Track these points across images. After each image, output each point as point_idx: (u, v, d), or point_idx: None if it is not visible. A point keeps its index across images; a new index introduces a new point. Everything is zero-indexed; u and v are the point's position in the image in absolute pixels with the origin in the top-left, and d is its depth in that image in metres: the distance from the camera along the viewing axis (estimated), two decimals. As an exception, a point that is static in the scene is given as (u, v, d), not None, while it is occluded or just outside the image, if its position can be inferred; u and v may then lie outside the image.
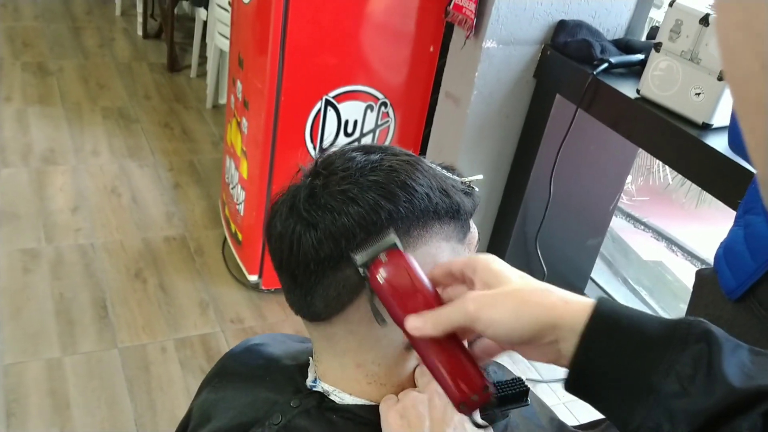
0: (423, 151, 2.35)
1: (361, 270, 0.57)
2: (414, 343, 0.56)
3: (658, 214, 3.98)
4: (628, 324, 0.49)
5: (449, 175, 0.65)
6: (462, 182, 0.65)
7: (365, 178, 0.59)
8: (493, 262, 0.56)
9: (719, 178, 1.49)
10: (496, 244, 2.30)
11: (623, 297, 2.51)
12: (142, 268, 2.39)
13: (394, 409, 0.61)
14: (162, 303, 2.26)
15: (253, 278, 2.38)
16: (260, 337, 0.79)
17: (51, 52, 3.84)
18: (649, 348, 0.48)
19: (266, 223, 0.63)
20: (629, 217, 3.90)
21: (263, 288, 2.37)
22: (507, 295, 0.53)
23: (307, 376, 0.68)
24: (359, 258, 0.57)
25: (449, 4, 2.03)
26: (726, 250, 1.24)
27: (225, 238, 2.58)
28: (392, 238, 0.57)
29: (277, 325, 2.26)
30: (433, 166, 0.64)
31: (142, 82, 3.71)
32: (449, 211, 0.61)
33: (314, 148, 2.17)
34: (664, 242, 3.68)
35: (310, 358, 0.69)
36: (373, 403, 0.64)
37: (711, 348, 0.46)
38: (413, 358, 0.64)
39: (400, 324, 0.56)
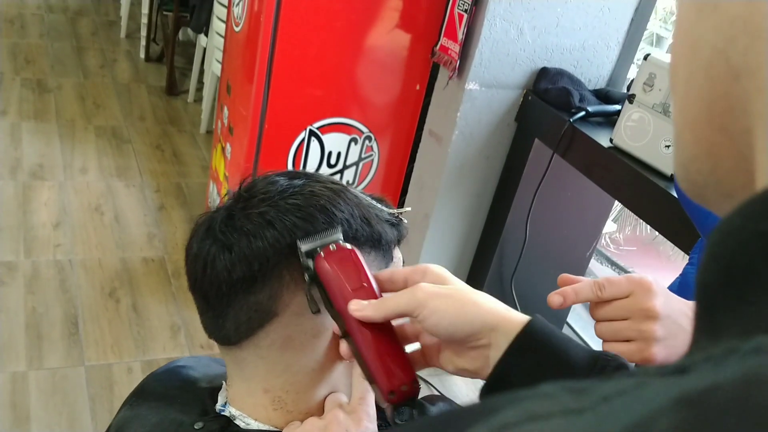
0: (405, 187, 2.37)
1: (303, 257, 0.57)
2: (350, 329, 0.57)
3: (644, 265, 4.00)
4: (557, 343, 0.53)
5: (376, 204, 0.66)
6: (389, 213, 0.66)
7: (285, 201, 0.59)
8: (444, 269, 0.59)
9: (684, 229, 1.50)
10: (472, 283, 2.30)
11: (598, 344, 2.50)
12: (116, 287, 2.39)
13: None
14: (133, 323, 2.25)
15: (227, 304, 2.37)
16: (186, 359, 0.79)
17: (52, 69, 3.89)
18: (569, 370, 0.52)
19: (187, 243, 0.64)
20: (615, 265, 3.91)
21: (237, 314, 2.36)
22: (456, 291, 0.57)
23: (218, 400, 0.68)
24: (305, 245, 0.57)
25: (436, 45, 2.07)
26: None
27: (204, 263, 2.58)
28: (339, 234, 0.59)
29: (247, 352, 2.25)
30: (360, 195, 0.65)
31: (139, 104, 3.75)
32: (369, 240, 0.62)
33: (294, 177, 2.18)
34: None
35: (224, 382, 0.69)
36: (278, 430, 0.64)
37: None
38: (324, 387, 0.64)
39: (342, 309, 0.56)
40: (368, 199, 0.66)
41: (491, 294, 2.11)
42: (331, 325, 0.61)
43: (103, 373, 2.05)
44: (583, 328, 2.57)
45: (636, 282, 0.71)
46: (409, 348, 0.61)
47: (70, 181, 2.93)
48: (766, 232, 0.23)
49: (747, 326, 0.22)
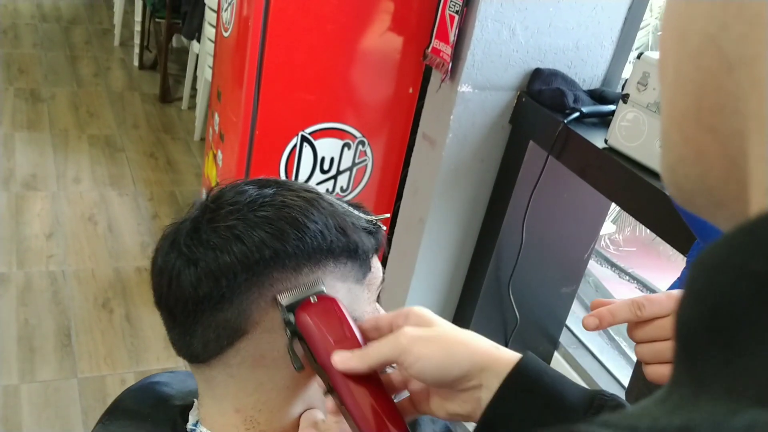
0: (400, 192, 2.34)
1: (283, 311, 0.56)
2: (335, 383, 0.55)
3: (644, 266, 3.97)
4: (550, 383, 0.51)
5: (353, 211, 0.63)
6: (366, 220, 0.64)
7: (254, 213, 0.57)
8: (426, 310, 0.57)
9: (681, 230, 1.47)
10: (469, 287, 2.28)
11: (598, 347, 2.47)
12: (110, 297, 2.37)
13: None
14: (126, 334, 2.22)
15: (222, 312, 2.34)
16: (162, 374, 0.76)
17: (45, 79, 3.87)
18: (563, 410, 0.49)
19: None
20: (615, 267, 3.88)
21: (232, 323, 2.34)
22: (440, 333, 0.54)
23: (189, 419, 0.65)
24: (284, 299, 0.56)
25: (428, 47, 2.04)
26: None
27: (199, 271, 2.56)
28: (320, 284, 0.57)
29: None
30: (336, 202, 0.62)
31: (132, 112, 3.73)
32: (345, 250, 0.60)
33: (287, 183, 2.16)
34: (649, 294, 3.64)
35: (195, 400, 0.66)
36: None
37: None
38: (299, 404, 0.62)
39: (326, 363, 0.55)
40: (344, 206, 0.63)
41: (488, 299, 2.06)
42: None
43: (97, 385, 2.02)
44: (583, 331, 2.54)
45: (677, 299, 0.66)
46: (398, 397, 0.58)
47: (63, 191, 2.90)
48: (757, 272, 0.20)
49: (733, 384, 0.19)
